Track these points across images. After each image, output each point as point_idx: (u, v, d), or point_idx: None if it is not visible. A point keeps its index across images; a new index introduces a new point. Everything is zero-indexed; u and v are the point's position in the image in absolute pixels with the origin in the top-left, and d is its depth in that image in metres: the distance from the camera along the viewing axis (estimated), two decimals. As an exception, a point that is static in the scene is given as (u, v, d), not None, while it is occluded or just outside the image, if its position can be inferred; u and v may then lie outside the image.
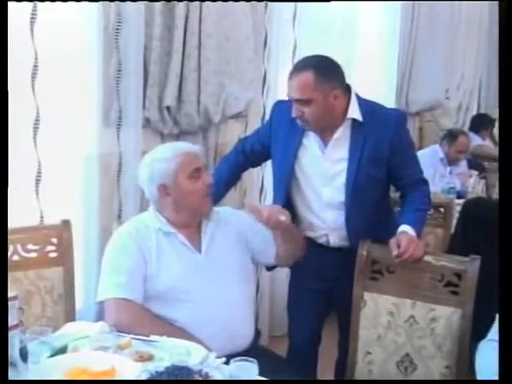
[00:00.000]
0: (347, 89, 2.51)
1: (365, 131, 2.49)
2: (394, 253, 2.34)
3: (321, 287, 2.70)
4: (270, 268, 2.93)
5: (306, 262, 2.60)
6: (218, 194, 2.63)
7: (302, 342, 2.79)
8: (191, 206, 2.33)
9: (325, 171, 2.55)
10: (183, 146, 2.41)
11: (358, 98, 2.54)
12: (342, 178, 2.53)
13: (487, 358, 1.98)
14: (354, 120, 2.50)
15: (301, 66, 2.46)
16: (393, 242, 2.37)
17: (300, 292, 2.78)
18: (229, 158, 2.86)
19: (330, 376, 2.88)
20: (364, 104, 2.53)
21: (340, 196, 2.54)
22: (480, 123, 6.43)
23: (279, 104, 2.73)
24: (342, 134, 2.51)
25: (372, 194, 2.56)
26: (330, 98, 2.42)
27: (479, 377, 1.95)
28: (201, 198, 2.33)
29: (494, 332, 2.04)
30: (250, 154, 2.80)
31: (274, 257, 2.47)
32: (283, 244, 2.43)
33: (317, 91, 2.40)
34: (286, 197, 2.65)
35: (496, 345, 1.97)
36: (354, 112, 2.49)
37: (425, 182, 2.63)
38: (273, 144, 2.68)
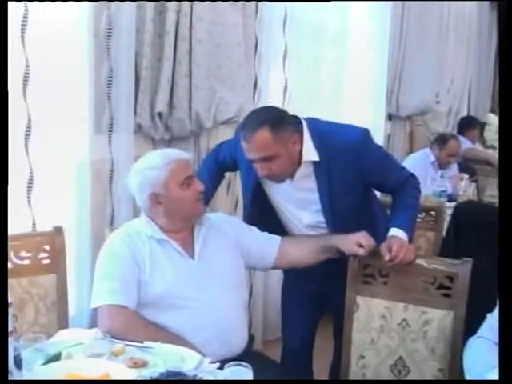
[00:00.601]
0: (298, 125, 2.43)
1: (327, 165, 2.43)
2: (386, 258, 2.34)
3: (314, 290, 2.71)
4: None
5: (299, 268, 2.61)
6: (205, 196, 2.63)
7: (296, 345, 2.79)
8: (183, 213, 2.32)
9: (297, 199, 2.52)
10: (174, 153, 2.38)
11: (310, 126, 2.45)
12: (317, 205, 2.50)
13: (476, 355, 1.99)
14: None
15: (253, 126, 2.35)
16: (383, 246, 2.37)
17: (293, 294, 2.79)
18: (207, 162, 2.84)
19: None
20: (317, 135, 2.43)
21: (320, 217, 2.52)
22: (468, 124, 6.45)
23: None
24: (305, 172, 2.46)
25: (352, 211, 2.51)
26: (290, 145, 2.37)
27: (468, 375, 1.96)
28: (192, 204, 2.32)
29: (483, 329, 2.05)
30: (221, 163, 2.78)
31: (273, 261, 2.49)
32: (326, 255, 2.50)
33: (278, 145, 2.33)
34: (257, 214, 2.63)
35: (486, 342, 1.99)
36: (309, 153, 2.42)
37: (411, 176, 2.58)
38: (238, 164, 2.66)
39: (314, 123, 2.48)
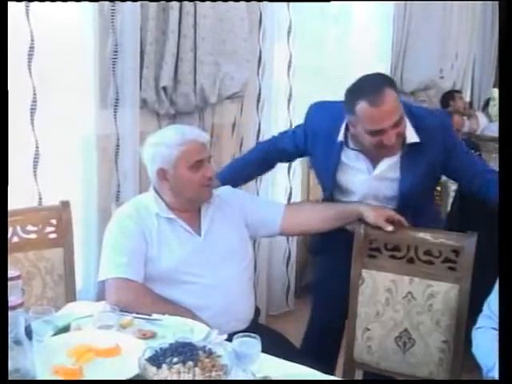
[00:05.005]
0: None
1: (416, 149, 2.35)
2: None
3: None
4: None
5: (340, 249, 2.55)
6: (244, 177, 2.67)
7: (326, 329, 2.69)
8: (188, 194, 2.32)
9: (370, 188, 2.48)
10: (191, 133, 2.32)
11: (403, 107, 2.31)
12: (389, 192, 2.46)
13: (482, 346, 2.02)
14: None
15: (378, 87, 2.18)
16: None
17: (331, 276, 2.68)
18: (258, 150, 2.80)
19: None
20: (411, 118, 2.32)
21: (385, 204, 2.49)
22: (451, 97, 6.41)
23: (314, 108, 2.60)
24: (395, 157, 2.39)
25: (421, 198, 2.50)
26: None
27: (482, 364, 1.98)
28: (198, 189, 2.31)
29: (481, 320, 2.08)
30: (280, 152, 2.72)
31: (279, 227, 2.49)
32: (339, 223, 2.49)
33: (400, 107, 2.22)
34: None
35: (486, 331, 2.02)
36: (412, 135, 2.31)
37: (495, 172, 2.42)
38: (310, 151, 2.58)
39: (404, 104, 2.33)
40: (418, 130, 2.33)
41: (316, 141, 2.53)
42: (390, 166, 2.41)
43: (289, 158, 2.87)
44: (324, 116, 2.49)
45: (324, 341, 2.65)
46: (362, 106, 2.19)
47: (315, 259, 2.89)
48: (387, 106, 2.17)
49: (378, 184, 2.47)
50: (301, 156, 2.81)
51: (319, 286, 2.82)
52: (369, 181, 2.47)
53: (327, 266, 2.73)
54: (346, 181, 2.52)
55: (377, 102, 2.16)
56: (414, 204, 2.48)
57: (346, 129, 2.40)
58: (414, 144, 2.34)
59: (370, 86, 2.20)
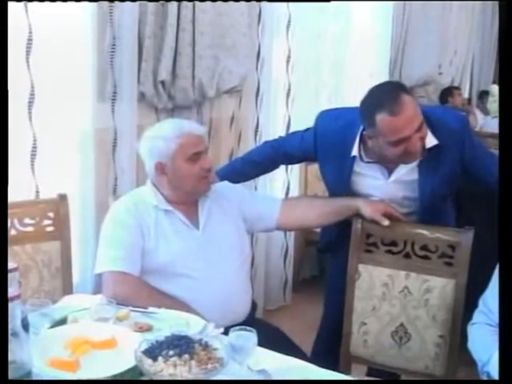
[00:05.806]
0: None
1: (433, 153, 2.29)
2: None
3: None
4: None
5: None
6: (246, 176, 2.64)
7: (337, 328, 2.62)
8: (186, 187, 2.32)
9: (386, 192, 2.45)
10: (188, 126, 2.34)
11: None
12: (408, 193, 2.44)
13: (477, 342, 2.02)
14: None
15: (394, 96, 2.12)
16: None
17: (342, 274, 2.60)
18: (265, 150, 2.75)
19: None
20: (426, 120, 2.23)
21: (403, 209, 2.47)
22: (449, 93, 6.42)
23: (323, 117, 2.54)
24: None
25: (440, 201, 2.48)
26: None
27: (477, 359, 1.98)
28: (196, 181, 2.31)
29: (476, 316, 2.08)
30: (287, 155, 2.69)
31: (276, 222, 2.49)
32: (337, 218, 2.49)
33: (419, 110, 2.16)
34: None
35: (481, 326, 2.02)
36: (430, 139, 2.25)
37: None
38: (320, 157, 2.54)
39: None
40: (434, 130, 2.28)
41: (326, 150, 2.49)
42: (407, 171, 2.38)
43: (297, 162, 2.86)
44: (334, 126, 2.44)
45: (337, 341, 2.57)
46: (382, 117, 2.14)
47: (326, 257, 2.86)
48: (407, 113, 2.12)
49: (394, 188, 2.44)
50: (308, 160, 2.79)
51: (331, 285, 2.80)
52: (385, 186, 2.45)
53: (338, 263, 2.66)
54: (360, 187, 2.50)
55: (397, 111, 2.11)
56: (433, 207, 2.46)
57: (359, 143, 2.37)
58: (433, 147, 2.29)
59: (386, 96, 2.16)
